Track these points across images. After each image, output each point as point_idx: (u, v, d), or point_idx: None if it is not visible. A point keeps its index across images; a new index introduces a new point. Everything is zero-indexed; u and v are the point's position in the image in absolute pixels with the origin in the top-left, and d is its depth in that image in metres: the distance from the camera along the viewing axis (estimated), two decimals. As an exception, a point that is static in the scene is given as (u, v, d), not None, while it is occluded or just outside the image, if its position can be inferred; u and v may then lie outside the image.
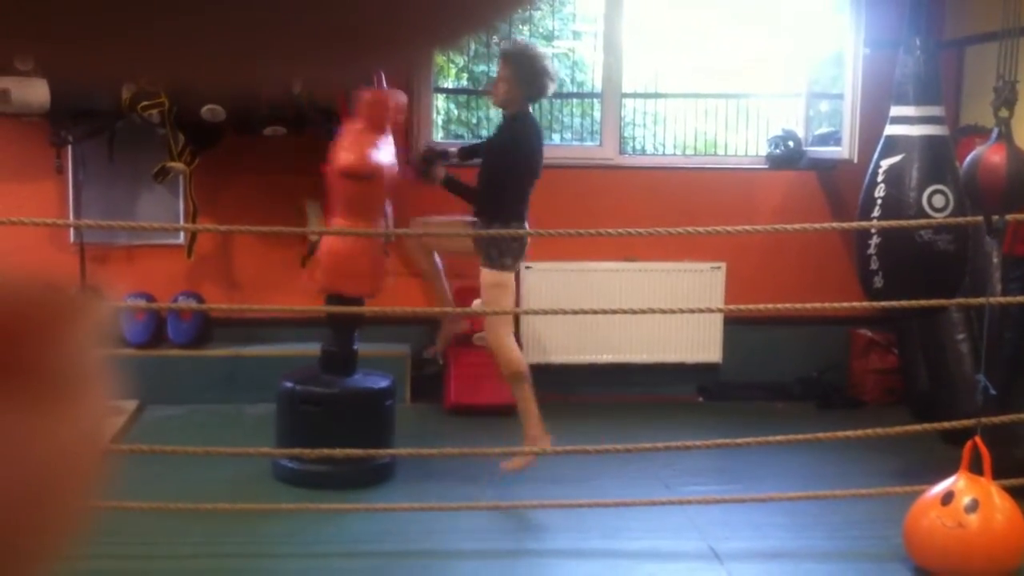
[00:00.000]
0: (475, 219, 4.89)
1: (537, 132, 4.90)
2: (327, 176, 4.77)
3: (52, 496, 0.30)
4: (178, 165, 5.80)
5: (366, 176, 4.66)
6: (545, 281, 6.42)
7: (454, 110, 7.61)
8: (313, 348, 5.09)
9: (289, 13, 0.28)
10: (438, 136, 6.84)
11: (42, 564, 0.30)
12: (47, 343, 0.29)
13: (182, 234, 6.13)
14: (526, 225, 4.77)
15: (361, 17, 0.28)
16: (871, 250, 4.83)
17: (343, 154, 4.68)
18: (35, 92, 5.59)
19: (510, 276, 4.82)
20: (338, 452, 4.40)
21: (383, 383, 4.96)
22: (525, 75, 4.62)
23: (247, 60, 0.29)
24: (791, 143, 6.72)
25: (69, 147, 6.03)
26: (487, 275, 4.79)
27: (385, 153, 4.81)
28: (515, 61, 4.65)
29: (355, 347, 4.96)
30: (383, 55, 0.31)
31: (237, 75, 0.30)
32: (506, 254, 4.76)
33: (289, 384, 4.85)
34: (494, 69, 7.27)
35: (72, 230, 6.11)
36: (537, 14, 7.27)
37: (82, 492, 0.31)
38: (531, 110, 4.88)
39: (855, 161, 6.01)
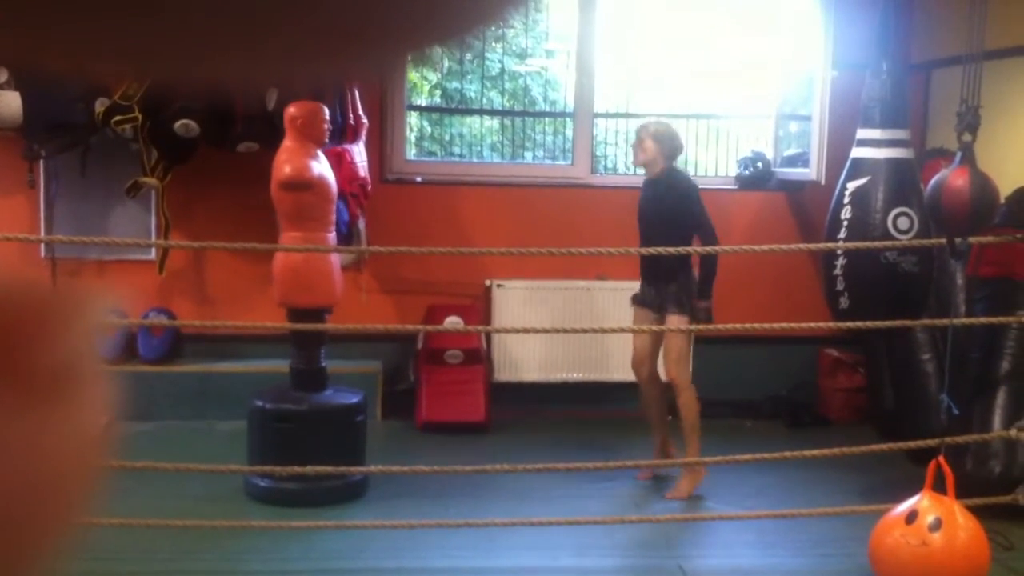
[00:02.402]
0: (651, 277, 5.15)
1: None
2: (271, 192, 4.82)
3: (40, 504, 0.30)
4: (151, 180, 5.80)
5: (306, 186, 4.73)
6: (517, 299, 6.46)
7: (427, 127, 7.64)
8: (284, 364, 5.10)
9: (263, 13, 0.28)
10: (411, 153, 6.87)
11: (27, 572, 0.30)
12: (34, 345, 0.29)
13: (154, 249, 6.12)
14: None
15: (334, 19, 0.29)
16: (837, 271, 4.90)
17: (283, 167, 4.74)
18: (8, 105, 5.57)
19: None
20: (309, 469, 4.40)
21: (353, 399, 4.97)
22: (666, 147, 5.13)
23: (220, 58, 0.29)
24: (760, 164, 6.79)
25: (42, 161, 6.02)
26: (677, 320, 5.04)
27: (324, 164, 4.88)
28: (656, 138, 5.11)
29: (323, 364, 4.98)
30: (356, 59, 0.31)
31: (211, 73, 0.30)
32: (691, 297, 5.04)
33: (259, 402, 4.86)
34: (467, 87, 7.33)
35: (43, 245, 6.09)
36: (510, 32, 7.32)
37: (71, 501, 0.31)
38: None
39: (823, 183, 6.09)
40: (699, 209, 5.04)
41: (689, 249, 4.94)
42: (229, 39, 0.28)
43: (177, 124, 5.61)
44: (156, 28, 0.27)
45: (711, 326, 5.17)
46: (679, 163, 5.38)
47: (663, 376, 5.22)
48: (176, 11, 0.27)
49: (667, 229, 5.00)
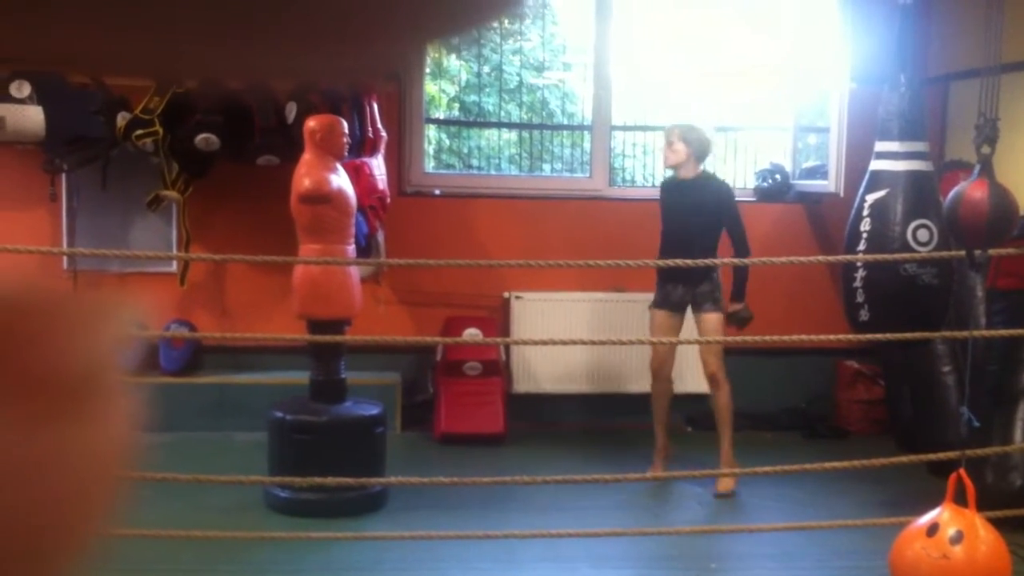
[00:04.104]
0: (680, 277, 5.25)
1: None
2: (291, 205, 4.85)
3: (63, 515, 0.29)
4: (172, 193, 5.84)
5: (325, 200, 4.76)
6: (535, 311, 6.47)
7: (445, 140, 7.68)
8: (303, 376, 5.12)
9: (268, 8, 0.28)
10: (429, 166, 6.90)
11: None
12: (57, 356, 0.29)
13: (175, 262, 6.16)
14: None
15: (345, 11, 0.29)
16: (857, 283, 4.89)
17: (302, 181, 4.78)
18: (30, 120, 5.63)
19: None
20: (329, 480, 4.41)
21: (373, 411, 4.99)
22: (696, 148, 5.25)
23: (228, 54, 0.29)
24: (779, 176, 6.79)
25: (63, 175, 6.07)
26: (713, 318, 5.26)
27: (343, 177, 4.91)
28: (685, 139, 5.23)
29: (342, 375, 5.00)
30: (370, 51, 0.31)
31: (220, 70, 0.30)
32: (723, 293, 5.25)
33: (279, 413, 4.88)
34: (485, 100, 7.35)
35: (65, 257, 6.14)
36: (528, 45, 7.35)
37: (94, 513, 0.31)
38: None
39: (841, 195, 6.09)
40: (737, 211, 5.24)
41: (710, 261, 4.97)
42: (236, 33, 0.28)
43: (198, 138, 5.65)
44: (162, 23, 0.27)
45: (720, 338, 5.20)
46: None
47: (704, 371, 5.35)
48: (181, 6, 0.27)
49: (704, 230, 5.15)
